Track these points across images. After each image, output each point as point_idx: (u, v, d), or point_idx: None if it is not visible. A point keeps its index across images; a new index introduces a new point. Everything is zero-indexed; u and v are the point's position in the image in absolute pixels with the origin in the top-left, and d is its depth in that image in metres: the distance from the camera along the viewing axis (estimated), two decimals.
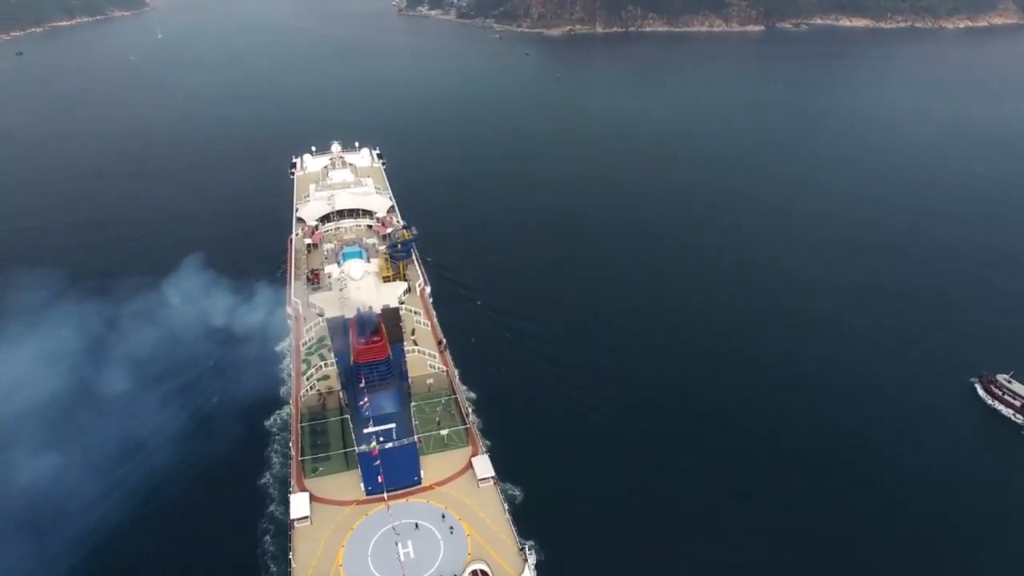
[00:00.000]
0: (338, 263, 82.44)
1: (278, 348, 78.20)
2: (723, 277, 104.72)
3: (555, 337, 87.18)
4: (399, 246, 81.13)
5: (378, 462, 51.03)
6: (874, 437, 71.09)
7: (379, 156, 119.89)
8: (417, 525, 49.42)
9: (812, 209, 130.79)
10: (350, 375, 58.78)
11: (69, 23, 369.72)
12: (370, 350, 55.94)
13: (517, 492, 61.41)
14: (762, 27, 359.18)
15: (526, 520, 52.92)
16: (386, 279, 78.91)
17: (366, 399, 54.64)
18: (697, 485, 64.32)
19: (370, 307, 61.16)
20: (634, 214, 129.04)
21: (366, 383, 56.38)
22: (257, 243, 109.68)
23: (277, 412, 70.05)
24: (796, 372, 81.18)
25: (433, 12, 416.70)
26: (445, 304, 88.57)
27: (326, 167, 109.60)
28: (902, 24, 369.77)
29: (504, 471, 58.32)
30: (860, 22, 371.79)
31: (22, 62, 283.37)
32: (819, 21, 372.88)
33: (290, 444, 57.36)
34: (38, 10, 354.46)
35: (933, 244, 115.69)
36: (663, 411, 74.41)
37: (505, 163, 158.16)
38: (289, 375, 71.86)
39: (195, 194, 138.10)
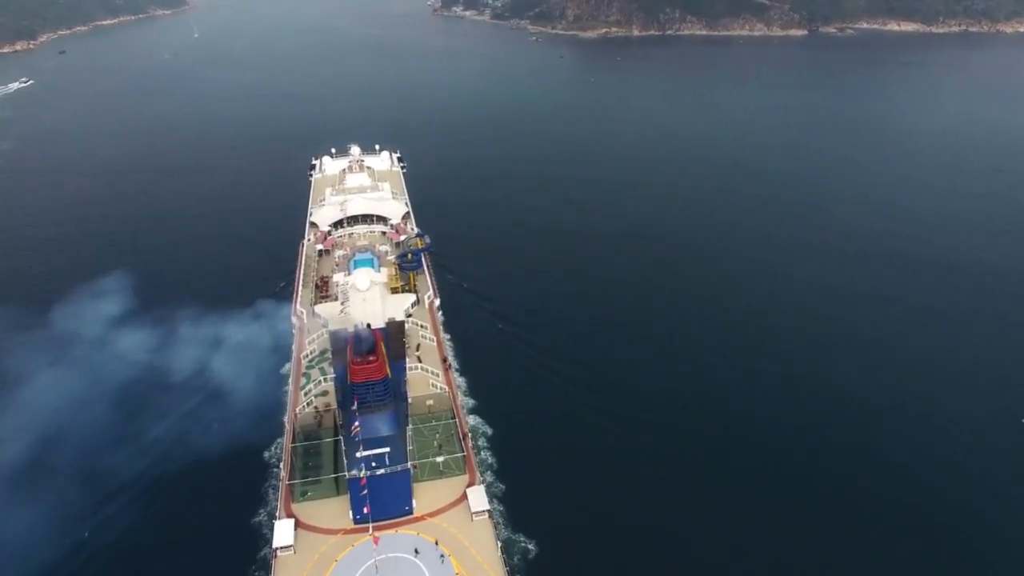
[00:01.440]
0: (348, 271, 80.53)
1: (283, 370, 73.96)
2: (773, 293, 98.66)
3: (583, 360, 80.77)
4: (409, 256, 78.59)
5: (365, 491, 48.40)
6: (916, 467, 65.82)
7: (399, 160, 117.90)
8: (403, 560, 46.63)
9: (865, 224, 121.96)
10: (347, 394, 56.32)
11: (113, 22, 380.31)
12: (366, 369, 53.29)
13: (524, 542, 55.44)
14: (805, 32, 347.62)
15: (526, 569, 49.80)
16: (394, 290, 76.33)
17: (356, 424, 52.01)
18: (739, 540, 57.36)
19: (368, 324, 58.45)
20: (677, 229, 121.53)
21: (360, 404, 53.73)
22: (271, 249, 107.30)
23: (278, 440, 64.98)
24: (840, 394, 76.16)
25: (467, 13, 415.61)
26: (461, 319, 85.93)
27: (344, 170, 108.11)
28: (955, 28, 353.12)
29: (508, 511, 55.63)
30: (909, 26, 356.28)
31: (63, 61, 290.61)
32: (865, 25, 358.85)
33: (281, 465, 54.97)
34: (84, 10, 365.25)
35: (996, 267, 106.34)
36: (705, 445, 67.86)
37: (532, 170, 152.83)
38: (288, 390, 69.41)
39: (214, 194, 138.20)
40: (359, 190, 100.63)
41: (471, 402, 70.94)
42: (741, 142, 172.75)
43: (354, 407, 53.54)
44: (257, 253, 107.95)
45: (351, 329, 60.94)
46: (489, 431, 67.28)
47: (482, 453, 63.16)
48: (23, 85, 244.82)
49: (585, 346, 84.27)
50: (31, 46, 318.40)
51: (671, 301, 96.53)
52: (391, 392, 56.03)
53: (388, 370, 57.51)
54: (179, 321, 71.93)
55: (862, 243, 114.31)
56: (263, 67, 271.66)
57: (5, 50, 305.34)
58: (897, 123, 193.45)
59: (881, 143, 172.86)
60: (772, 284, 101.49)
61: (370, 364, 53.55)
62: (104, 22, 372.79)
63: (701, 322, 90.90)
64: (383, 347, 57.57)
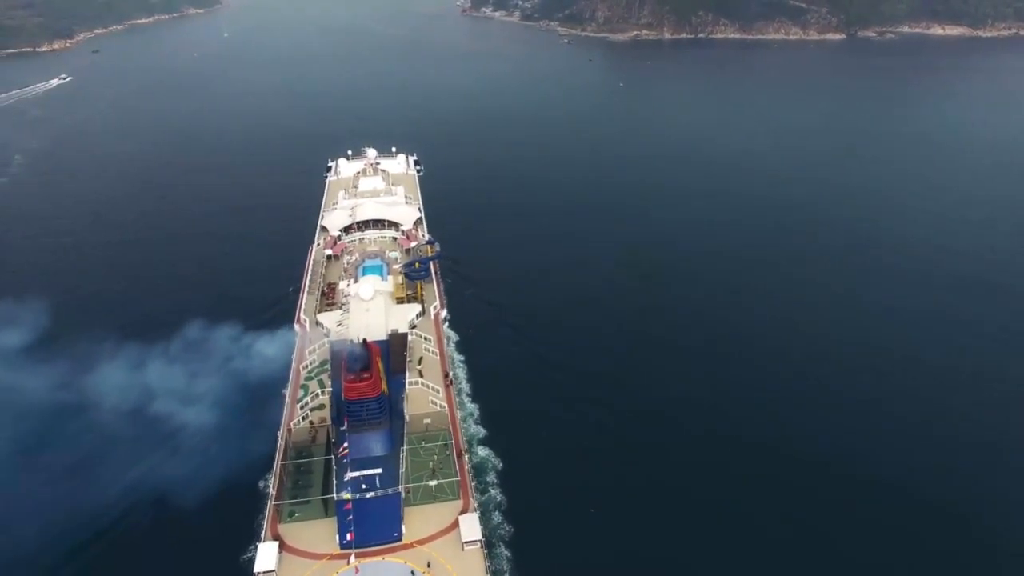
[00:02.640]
0: (357, 277, 78.87)
1: (286, 390, 69.55)
2: (825, 315, 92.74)
3: (604, 381, 75.69)
4: (416, 265, 76.55)
5: (351, 517, 46.31)
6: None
7: (416, 163, 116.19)
8: None
9: (916, 242, 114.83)
10: (341, 410, 54.37)
11: (148, 21, 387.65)
12: (359, 387, 51.23)
13: None
14: (843, 36, 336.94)
15: None
16: (400, 300, 74.33)
17: (345, 445, 49.94)
18: None
19: (363, 340, 56.18)
20: (709, 244, 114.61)
21: (352, 422, 51.69)
22: (283, 252, 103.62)
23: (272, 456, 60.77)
24: (889, 416, 72.58)
25: (497, 13, 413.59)
26: (475, 333, 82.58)
27: (358, 173, 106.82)
28: (1004, 32, 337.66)
29: (507, 544, 52.83)
30: (955, 30, 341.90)
31: (96, 60, 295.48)
32: (907, 29, 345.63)
33: (270, 482, 53.15)
34: (120, 9, 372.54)
35: None
36: (752, 493, 61.89)
37: (554, 177, 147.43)
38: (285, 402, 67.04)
39: (229, 194, 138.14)
40: (372, 194, 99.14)
41: (481, 431, 67.09)
42: (775, 153, 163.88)
43: (343, 427, 51.62)
44: (268, 255, 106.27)
45: (356, 340, 59.13)
46: (499, 464, 62.84)
47: (490, 491, 59.41)
48: (63, 81, 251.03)
49: (613, 368, 78.34)
50: (68, 45, 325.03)
51: (715, 325, 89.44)
52: (386, 410, 53.90)
53: (385, 386, 55.43)
54: (181, 328, 69.87)
55: (911, 260, 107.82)
56: (288, 67, 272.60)
57: (43, 49, 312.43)
58: (947, 133, 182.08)
59: (931, 153, 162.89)
60: (816, 303, 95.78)
61: (364, 382, 51.49)
62: (139, 21, 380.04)
63: (752, 357, 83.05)
64: (379, 363, 55.48)
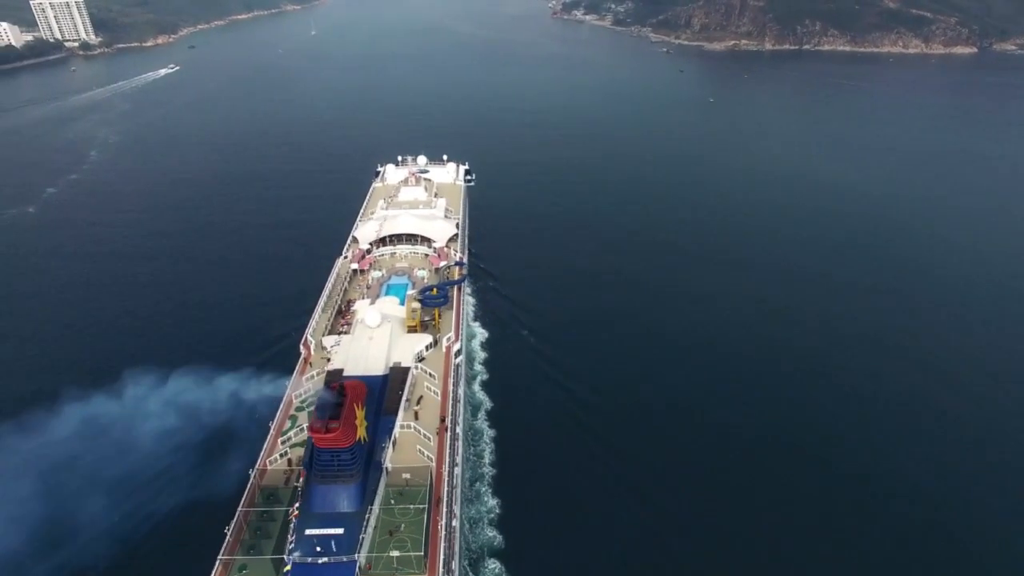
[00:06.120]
0: (380, 295, 73.80)
1: (273, 420, 65.87)
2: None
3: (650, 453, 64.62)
4: (434, 291, 70.23)
5: None
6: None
7: (467, 172, 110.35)
8: None
9: None
10: (311, 456, 48.77)
11: (247, 16, 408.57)
12: (325, 438, 45.37)
13: None
14: (973, 49, 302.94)
15: None
16: (411, 329, 68.23)
17: (296, 507, 44.17)
18: None
19: (335, 385, 49.93)
20: (802, 288, 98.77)
21: (317, 473, 45.88)
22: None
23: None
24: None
25: (588, 17, 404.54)
26: (509, 373, 74.69)
27: (401, 182, 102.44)
28: None
29: None
30: None
31: (191, 56, 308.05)
32: None
33: (228, 531, 47.94)
34: (223, 5, 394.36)
35: None
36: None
37: (618, 201, 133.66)
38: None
39: (285, 199, 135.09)
40: (411, 205, 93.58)
41: (494, 506, 57.45)
42: (888, 191, 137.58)
43: (298, 482, 45.96)
44: (308, 266, 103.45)
45: (352, 371, 53.66)
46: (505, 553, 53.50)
47: None
48: (172, 71, 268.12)
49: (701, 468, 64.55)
50: (170, 40, 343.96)
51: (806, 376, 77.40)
52: (360, 460, 47.33)
53: (363, 432, 49.25)
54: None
55: None
56: (368, 67, 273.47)
57: (148, 44, 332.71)
58: None
59: None
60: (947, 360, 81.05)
61: (330, 432, 45.54)
62: (239, 17, 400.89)
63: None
64: (359, 407, 49.34)
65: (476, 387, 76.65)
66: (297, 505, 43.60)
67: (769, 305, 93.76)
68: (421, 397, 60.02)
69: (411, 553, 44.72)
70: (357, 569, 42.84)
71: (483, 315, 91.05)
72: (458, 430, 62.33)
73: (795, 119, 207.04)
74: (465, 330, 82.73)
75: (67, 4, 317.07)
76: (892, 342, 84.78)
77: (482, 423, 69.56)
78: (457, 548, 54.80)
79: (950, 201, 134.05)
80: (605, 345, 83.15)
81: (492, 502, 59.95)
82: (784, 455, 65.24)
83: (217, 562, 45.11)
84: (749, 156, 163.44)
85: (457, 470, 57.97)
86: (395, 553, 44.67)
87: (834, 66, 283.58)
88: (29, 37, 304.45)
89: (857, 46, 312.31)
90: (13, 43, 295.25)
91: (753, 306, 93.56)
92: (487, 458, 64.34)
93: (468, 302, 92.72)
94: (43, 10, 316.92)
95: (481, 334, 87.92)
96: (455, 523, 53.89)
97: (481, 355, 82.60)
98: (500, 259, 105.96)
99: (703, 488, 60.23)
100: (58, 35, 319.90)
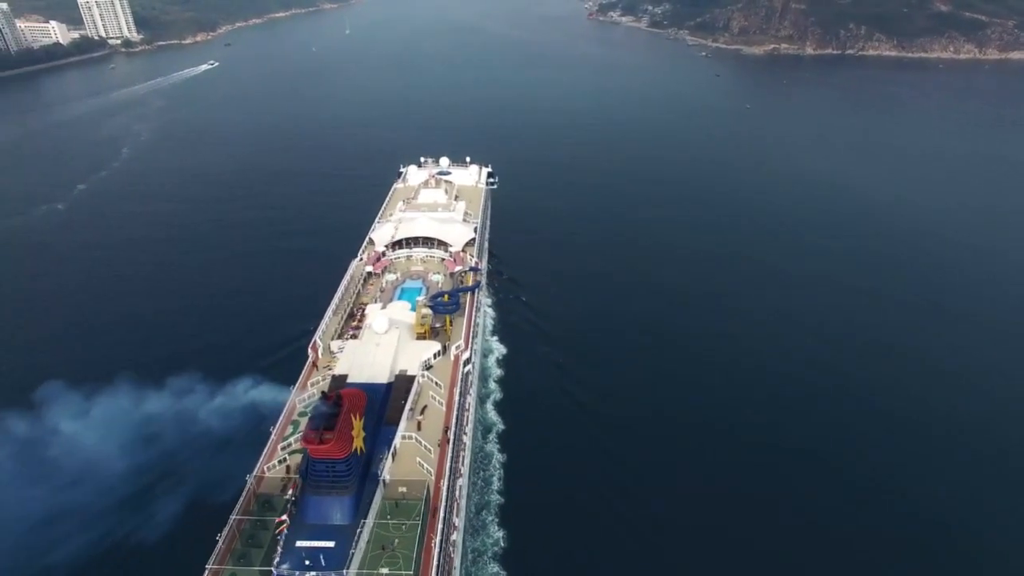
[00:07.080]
0: (393, 298, 72.60)
1: (275, 426, 63.74)
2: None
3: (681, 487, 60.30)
4: (445, 297, 68.53)
5: None
6: None
7: (490, 175, 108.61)
8: None
9: None
10: (306, 465, 47.46)
11: (285, 14, 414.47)
12: (319, 449, 44.02)
13: None
14: None
15: None
16: (421, 336, 66.63)
17: (283, 518, 42.80)
18: None
19: (331, 395, 48.31)
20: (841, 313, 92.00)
21: (311, 483, 44.57)
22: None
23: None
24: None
25: (624, 19, 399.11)
26: (522, 385, 72.34)
27: (421, 184, 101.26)
28: None
29: None
30: None
31: (226, 53, 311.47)
32: None
33: (219, 538, 46.80)
34: (261, 2, 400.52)
35: None
36: None
37: (643, 212, 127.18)
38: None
39: (308, 200, 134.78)
40: (430, 207, 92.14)
41: (499, 539, 54.74)
42: (938, 212, 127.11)
43: (288, 494, 44.62)
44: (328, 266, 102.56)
45: (356, 379, 52.35)
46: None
47: None
48: (211, 67, 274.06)
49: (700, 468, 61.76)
50: (209, 37, 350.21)
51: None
52: (356, 472, 45.96)
53: (361, 443, 47.77)
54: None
55: None
56: (399, 66, 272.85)
57: (187, 41, 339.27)
58: None
59: None
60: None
61: (324, 443, 44.14)
62: (277, 15, 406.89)
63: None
64: (357, 417, 47.87)
65: (489, 407, 73.86)
66: (283, 516, 42.27)
67: (825, 327, 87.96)
68: (425, 407, 58.33)
69: (401, 572, 42.94)
70: None
71: (502, 329, 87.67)
72: (465, 440, 60.33)
73: (836, 128, 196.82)
74: (481, 345, 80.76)
75: (112, 2, 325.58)
76: (945, 367, 79.51)
77: (492, 446, 66.83)
78: (458, 562, 52.86)
79: (1010, 219, 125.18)
80: (634, 365, 78.15)
81: (498, 534, 57.04)
82: (822, 476, 62.82)
83: (206, 571, 44.00)
84: (780, 168, 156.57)
85: (462, 481, 55.96)
86: (384, 570, 42.98)
87: (879, 72, 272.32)
88: (75, 35, 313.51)
89: (904, 51, 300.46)
90: (61, 40, 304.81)
91: (805, 329, 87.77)
92: (495, 485, 61.32)
93: (487, 313, 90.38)
94: (89, 8, 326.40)
95: (499, 349, 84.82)
96: (455, 537, 51.95)
97: (497, 372, 79.50)
98: (523, 267, 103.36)
99: (754, 538, 55.84)
100: (102, 33, 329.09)
